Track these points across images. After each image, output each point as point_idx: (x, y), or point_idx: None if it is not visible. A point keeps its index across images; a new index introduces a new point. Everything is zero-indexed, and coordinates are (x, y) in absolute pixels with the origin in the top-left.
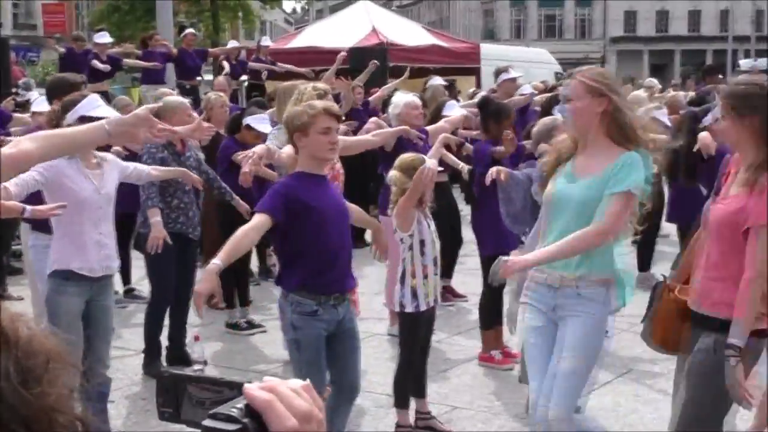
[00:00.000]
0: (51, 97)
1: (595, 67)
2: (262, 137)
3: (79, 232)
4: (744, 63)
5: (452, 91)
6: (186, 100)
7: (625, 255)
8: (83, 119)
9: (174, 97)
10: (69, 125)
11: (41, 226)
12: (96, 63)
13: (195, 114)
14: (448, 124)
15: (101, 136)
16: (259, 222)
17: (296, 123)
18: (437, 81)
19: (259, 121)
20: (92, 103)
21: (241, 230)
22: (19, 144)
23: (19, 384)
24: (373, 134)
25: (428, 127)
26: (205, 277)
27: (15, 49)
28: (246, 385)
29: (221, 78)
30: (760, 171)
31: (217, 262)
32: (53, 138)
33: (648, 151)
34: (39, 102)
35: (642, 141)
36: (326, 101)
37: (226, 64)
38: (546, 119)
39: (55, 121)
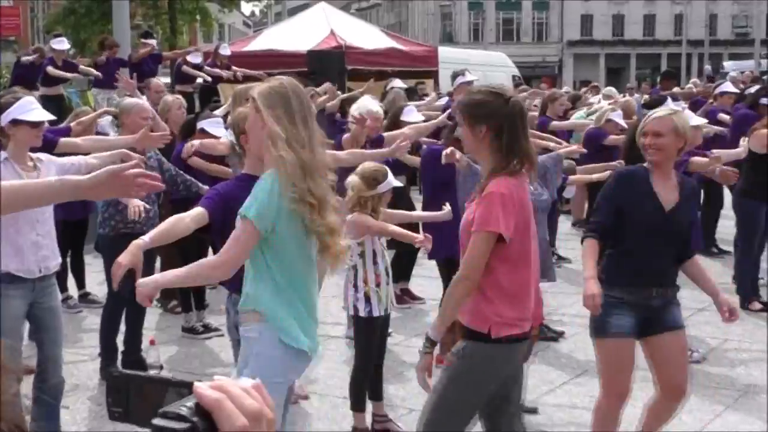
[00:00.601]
0: None
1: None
2: None
3: (15, 233)
4: (729, 65)
5: (416, 93)
6: (143, 101)
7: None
8: (16, 122)
9: (130, 99)
10: (1, 128)
11: None
12: (51, 69)
13: (152, 115)
14: (412, 131)
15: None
16: (195, 213)
17: (243, 125)
18: (397, 84)
19: (213, 125)
20: (26, 106)
21: (177, 216)
22: None
23: None
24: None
25: (386, 134)
26: (130, 249)
27: None
28: (196, 384)
29: (155, 80)
30: (489, 179)
31: (145, 238)
32: (12, 190)
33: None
34: None
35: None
36: None
37: (188, 69)
38: None
39: None
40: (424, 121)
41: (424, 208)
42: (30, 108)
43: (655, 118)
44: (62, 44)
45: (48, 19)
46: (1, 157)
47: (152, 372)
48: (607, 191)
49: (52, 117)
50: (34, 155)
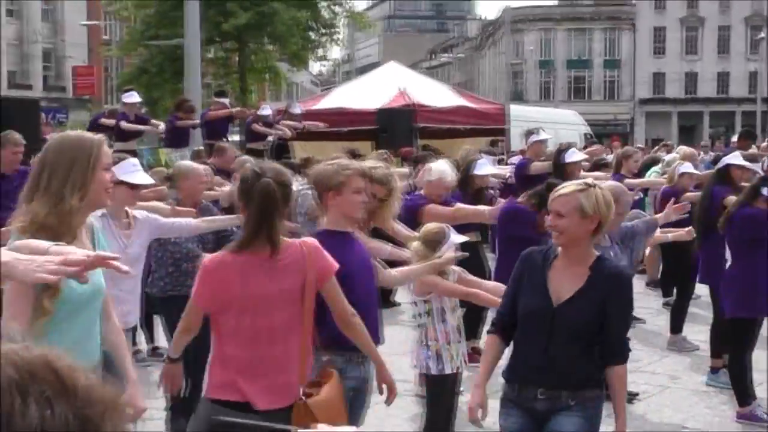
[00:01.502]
0: None
1: None
2: None
3: None
4: None
5: (493, 153)
6: (200, 166)
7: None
8: (117, 182)
9: (187, 163)
10: None
11: None
12: (125, 124)
13: (211, 179)
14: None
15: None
16: None
17: (329, 182)
18: (470, 148)
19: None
20: (128, 167)
21: None
22: None
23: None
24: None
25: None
26: None
27: (45, 110)
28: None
29: (230, 147)
30: None
31: None
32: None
33: None
34: None
35: None
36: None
37: (257, 126)
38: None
39: None
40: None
41: (498, 266)
42: (133, 170)
43: (558, 195)
44: (133, 97)
45: (121, 78)
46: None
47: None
48: (513, 274)
49: (151, 181)
50: (131, 212)
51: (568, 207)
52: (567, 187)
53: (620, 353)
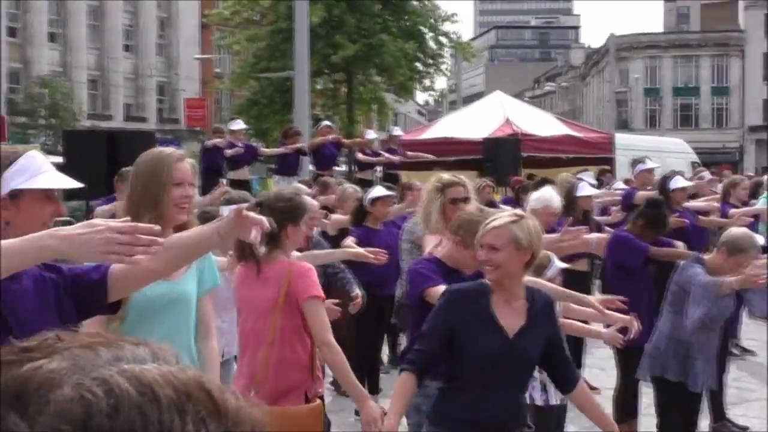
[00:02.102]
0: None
1: None
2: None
3: None
4: None
5: (601, 184)
6: (358, 189)
7: None
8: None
9: (349, 185)
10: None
11: None
12: (227, 151)
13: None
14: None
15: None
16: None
17: (472, 232)
18: (586, 176)
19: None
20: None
21: None
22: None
23: None
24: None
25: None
26: None
27: (159, 142)
28: None
29: (333, 180)
30: None
31: None
32: (175, 243)
33: None
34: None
35: None
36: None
37: (360, 155)
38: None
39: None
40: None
41: (605, 292)
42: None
43: (490, 228)
44: (238, 124)
45: (232, 110)
46: None
47: None
48: (439, 315)
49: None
50: None
51: (503, 240)
52: (498, 219)
53: (575, 375)
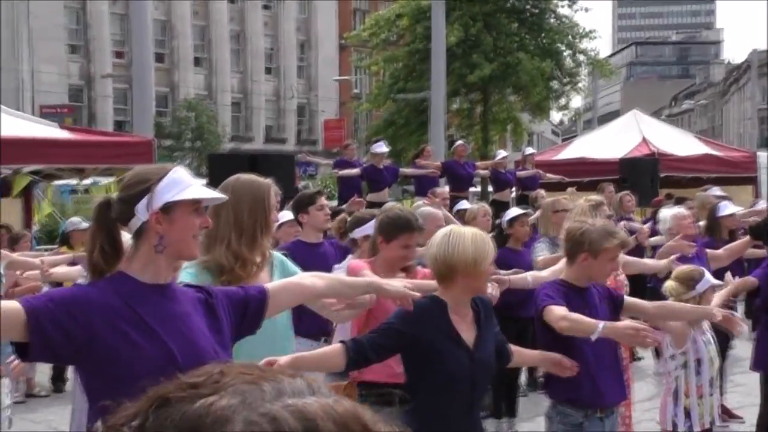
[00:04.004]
0: (295, 211)
1: None
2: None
3: None
4: None
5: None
6: (486, 206)
7: None
8: (367, 237)
9: (427, 208)
10: (354, 239)
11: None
12: (344, 171)
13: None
14: (725, 252)
15: (362, 289)
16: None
17: (591, 245)
18: (713, 191)
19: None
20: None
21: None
22: (311, 278)
23: None
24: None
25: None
26: None
27: (298, 163)
28: None
29: (440, 189)
30: None
31: None
32: (337, 282)
33: None
34: (281, 216)
35: None
36: (618, 231)
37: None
38: None
39: (342, 229)
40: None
41: (756, 318)
42: None
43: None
44: (381, 148)
45: (370, 130)
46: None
47: None
48: (396, 325)
49: None
50: None
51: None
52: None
53: (509, 349)
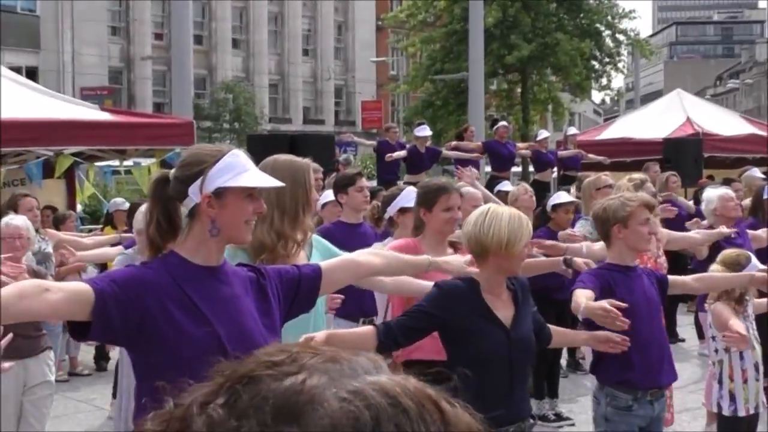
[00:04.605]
0: (335, 191)
1: None
2: (572, 212)
3: None
4: None
5: None
6: (478, 192)
7: None
8: (403, 210)
9: (466, 187)
10: (390, 217)
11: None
12: (391, 155)
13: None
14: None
15: (423, 267)
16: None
17: (615, 216)
18: (755, 173)
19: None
20: (409, 195)
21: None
22: (368, 256)
23: None
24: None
25: (750, 232)
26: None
27: (338, 144)
28: None
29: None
30: None
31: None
32: (394, 260)
33: None
34: (325, 196)
35: None
36: (643, 194)
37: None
38: None
39: (376, 215)
40: None
41: None
42: (413, 196)
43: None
44: (424, 131)
45: (408, 112)
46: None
47: None
48: (432, 301)
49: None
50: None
51: None
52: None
53: (549, 331)
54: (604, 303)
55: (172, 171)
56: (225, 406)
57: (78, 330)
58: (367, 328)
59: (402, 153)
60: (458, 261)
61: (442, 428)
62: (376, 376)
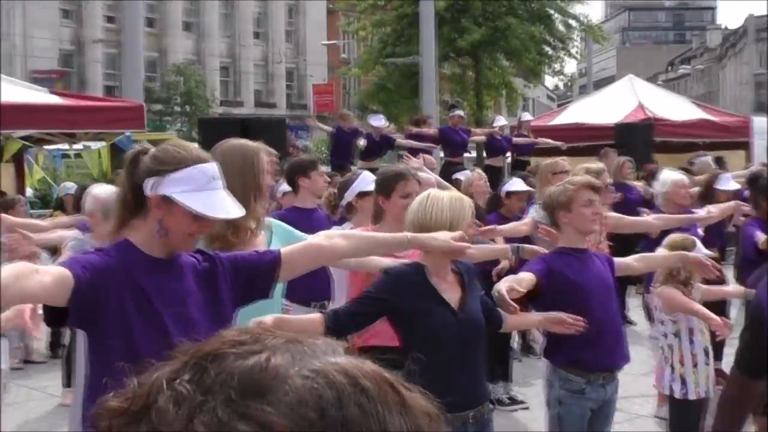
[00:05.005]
0: (291, 180)
1: None
2: (525, 200)
3: None
4: None
5: (722, 167)
6: (432, 178)
7: None
8: (362, 194)
9: (420, 173)
10: (348, 202)
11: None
12: (359, 141)
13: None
14: (717, 210)
15: (402, 246)
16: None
17: (559, 201)
18: (705, 159)
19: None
20: (367, 180)
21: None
22: (333, 239)
23: None
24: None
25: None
26: None
27: (289, 128)
28: None
29: (428, 156)
30: None
31: None
32: (365, 241)
33: None
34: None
35: None
36: (585, 176)
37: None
38: None
39: (333, 202)
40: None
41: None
42: (371, 180)
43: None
44: (379, 121)
45: (360, 95)
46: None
47: None
48: (379, 287)
49: None
50: None
51: None
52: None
53: (501, 315)
54: (503, 284)
55: (149, 153)
56: (191, 382)
57: (53, 315)
58: (315, 316)
59: (362, 142)
60: (445, 236)
61: (402, 411)
62: (337, 358)
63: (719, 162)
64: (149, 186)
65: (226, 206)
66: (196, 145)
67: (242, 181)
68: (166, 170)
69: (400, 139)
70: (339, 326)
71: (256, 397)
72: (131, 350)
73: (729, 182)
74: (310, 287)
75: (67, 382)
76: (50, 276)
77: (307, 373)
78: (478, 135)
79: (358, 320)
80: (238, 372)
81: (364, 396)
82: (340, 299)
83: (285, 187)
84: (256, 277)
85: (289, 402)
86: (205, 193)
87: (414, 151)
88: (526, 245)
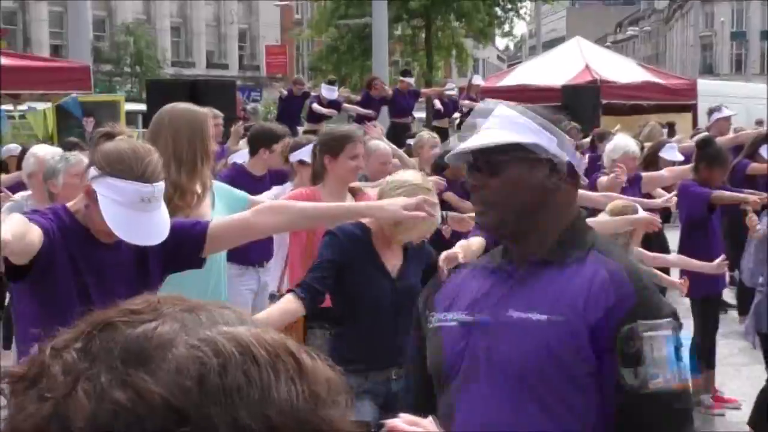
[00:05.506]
0: (253, 146)
1: None
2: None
3: None
4: None
5: (672, 133)
6: (386, 145)
7: None
8: (302, 162)
9: (375, 141)
10: (291, 164)
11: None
12: (317, 107)
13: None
14: (669, 173)
15: (342, 218)
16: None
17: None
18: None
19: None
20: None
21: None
22: (263, 214)
23: (312, 406)
24: None
25: (645, 174)
26: None
27: (240, 89)
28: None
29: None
30: None
31: None
32: (301, 215)
33: None
34: (240, 155)
35: None
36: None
37: (437, 103)
38: None
39: (285, 154)
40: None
41: (680, 247)
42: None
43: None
44: (332, 93)
45: (312, 57)
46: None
47: None
48: (329, 246)
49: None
50: None
51: None
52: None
53: None
54: (453, 249)
55: (112, 142)
56: (79, 350)
57: (14, 270)
58: (288, 297)
59: (324, 110)
60: (394, 206)
61: (297, 378)
62: (233, 327)
63: (671, 128)
64: (90, 173)
65: (141, 231)
66: (157, 157)
67: (190, 146)
68: (107, 171)
69: (347, 105)
70: (313, 293)
71: (137, 365)
72: (53, 315)
73: (674, 152)
74: (249, 247)
75: (7, 344)
76: (34, 228)
77: (194, 342)
78: (428, 93)
79: (327, 283)
80: (123, 340)
81: (254, 364)
82: (278, 256)
83: (241, 157)
84: (182, 247)
85: (168, 370)
86: (129, 211)
87: (359, 120)
88: (453, 212)
